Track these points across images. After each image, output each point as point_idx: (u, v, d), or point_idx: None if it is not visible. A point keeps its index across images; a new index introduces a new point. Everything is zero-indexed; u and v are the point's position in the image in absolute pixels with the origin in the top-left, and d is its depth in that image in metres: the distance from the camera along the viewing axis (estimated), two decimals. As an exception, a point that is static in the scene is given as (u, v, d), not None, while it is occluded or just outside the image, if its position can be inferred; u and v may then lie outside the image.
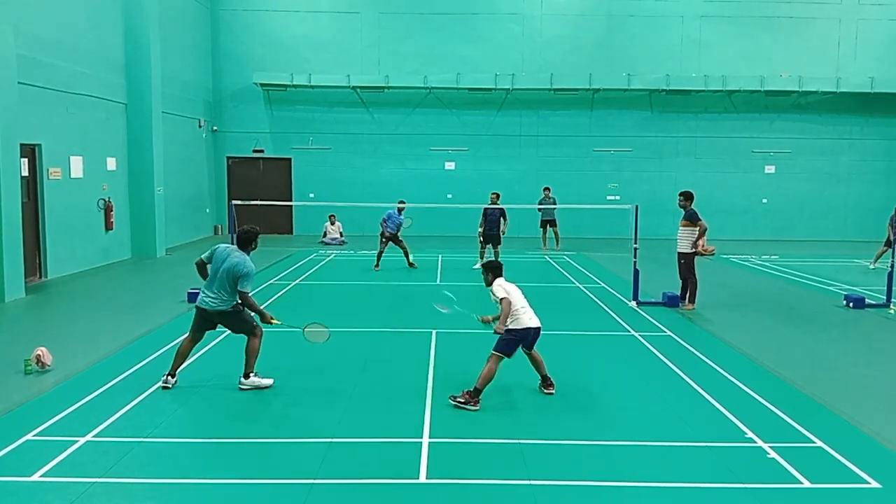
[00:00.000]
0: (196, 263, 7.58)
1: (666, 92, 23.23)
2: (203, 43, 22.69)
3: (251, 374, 7.37)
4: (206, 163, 22.97)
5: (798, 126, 23.94)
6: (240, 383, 7.34)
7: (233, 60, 23.25)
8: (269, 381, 7.44)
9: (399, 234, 15.88)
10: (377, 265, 15.76)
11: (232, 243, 7.68)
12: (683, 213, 11.85)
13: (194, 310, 7.49)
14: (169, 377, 7.33)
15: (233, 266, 7.15)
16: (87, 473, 5.33)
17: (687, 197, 11.92)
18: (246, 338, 7.42)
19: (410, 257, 15.97)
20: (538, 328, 7.10)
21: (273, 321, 7.36)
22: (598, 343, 9.72)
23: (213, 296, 7.25)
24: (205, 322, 7.42)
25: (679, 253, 11.93)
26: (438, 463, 5.58)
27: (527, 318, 7.04)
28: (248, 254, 7.38)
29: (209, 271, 7.41)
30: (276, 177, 23.68)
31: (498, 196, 15.89)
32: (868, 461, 5.67)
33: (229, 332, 9.81)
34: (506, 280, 7.31)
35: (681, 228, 11.89)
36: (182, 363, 7.48)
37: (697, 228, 11.68)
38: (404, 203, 16.09)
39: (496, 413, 6.78)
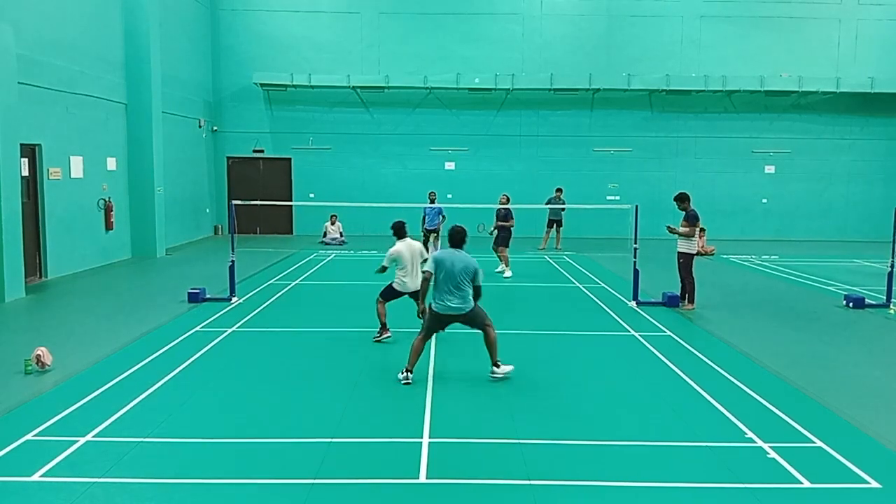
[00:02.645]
0: (426, 278, 7.88)
1: (666, 92, 23.23)
2: (203, 43, 22.68)
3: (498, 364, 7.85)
4: (206, 163, 22.97)
5: (798, 126, 23.93)
6: (492, 373, 7.78)
7: (233, 60, 23.24)
8: (510, 368, 7.86)
9: (438, 230, 16.50)
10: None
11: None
12: (684, 214, 11.84)
13: (431, 315, 7.77)
14: (408, 373, 7.63)
15: (469, 265, 7.65)
16: (87, 473, 5.33)
17: (682, 199, 11.92)
18: (483, 332, 7.82)
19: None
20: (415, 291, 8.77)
21: None
22: (598, 343, 9.72)
23: (458, 300, 7.59)
24: (442, 326, 7.84)
25: (678, 253, 11.93)
26: (438, 463, 5.58)
27: (411, 283, 9.07)
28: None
29: (438, 280, 7.67)
30: (276, 177, 23.68)
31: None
32: (868, 461, 5.67)
33: (227, 332, 9.87)
34: (412, 241, 9.18)
35: (681, 229, 11.89)
36: (417, 359, 7.79)
37: (696, 229, 11.70)
38: (434, 194, 16.94)
39: (496, 413, 6.78)
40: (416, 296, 8.69)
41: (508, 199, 15.87)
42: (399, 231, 9.32)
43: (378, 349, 9.11)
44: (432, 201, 16.50)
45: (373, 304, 9.48)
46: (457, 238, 7.87)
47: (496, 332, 7.81)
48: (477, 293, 7.72)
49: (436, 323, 7.78)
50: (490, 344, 7.78)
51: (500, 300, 12.97)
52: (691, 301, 11.87)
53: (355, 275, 15.35)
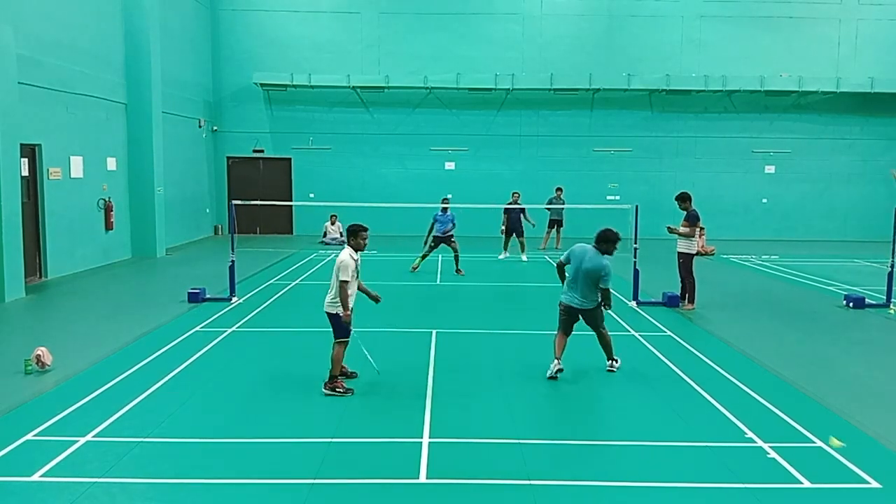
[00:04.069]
0: (556, 264, 8.29)
1: (666, 92, 23.23)
2: (203, 43, 22.68)
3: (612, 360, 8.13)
4: (206, 163, 22.97)
5: (798, 126, 23.93)
6: (609, 367, 8.09)
7: (233, 60, 23.24)
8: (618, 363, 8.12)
9: (451, 235, 15.35)
10: (416, 267, 15.42)
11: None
12: (685, 214, 11.84)
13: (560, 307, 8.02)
14: (556, 361, 7.79)
15: (595, 268, 7.68)
16: (87, 473, 5.33)
17: (684, 199, 11.91)
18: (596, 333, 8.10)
19: (459, 262, 15.36)
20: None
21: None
22: (597, 343, 9.68)
23: (579, 296, 7.82)
24: (570, 318, 7.96)
25: (678, 253, 11.92)
26: (438, 463, 5.58)
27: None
28: (604, 253, 7.81)
29: (568, 272, 7.97)
30: (276, 177, 23.68)
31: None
32: (868, 461, 5.66)
33: (227, 332, 9.86)
34: (351, 254, 7.27)
35: (681, 229, 11.89)
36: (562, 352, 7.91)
37: (696, 229, 11.70)
38: (448, 200, 15.62)
39: (496, 413, 6.78)
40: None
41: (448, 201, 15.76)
42: (352, 233, 7.42)
43: (378, 349, 9.09)
44: (445, 209, 15.28)
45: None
46: (600, 238, 7.81)
47: (609, 333, 8.09)
48: (603, 296, 7.75)
49: (563, 314, 7.95)
50: (604, 345, 8.08)
51: (501, 300, 12.98)
52: (691, 301, 11.87)
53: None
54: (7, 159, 11.93)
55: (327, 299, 7.32)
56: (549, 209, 19.85)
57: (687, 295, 11.92)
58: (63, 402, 6.82)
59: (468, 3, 23.25)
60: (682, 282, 12.00)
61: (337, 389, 7.18)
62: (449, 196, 16.29)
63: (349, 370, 7.69)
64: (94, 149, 15.75)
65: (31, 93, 13.30)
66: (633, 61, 23.21)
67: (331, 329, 7.29)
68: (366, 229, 7.38)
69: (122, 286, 13.87)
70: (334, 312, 7.24)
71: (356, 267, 7.30)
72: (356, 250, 7.35)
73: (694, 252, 11.83)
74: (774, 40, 23.47)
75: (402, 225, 21.79)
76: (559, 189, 20.49)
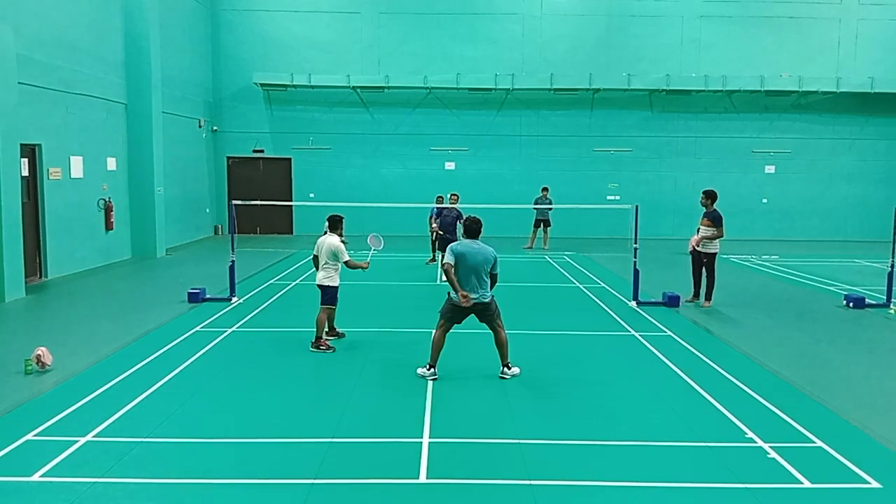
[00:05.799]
0: (446, 270, 7.82)
1: (666, 92, 23.22)
2: (203, 43, 22.68)
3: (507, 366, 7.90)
4: (206, 163, 22.96)
5: (798, 126, 23.92)
6: (501, 374, 7.88)
7: (233, 60, 23.23)
8: (517, 370, 7.92)
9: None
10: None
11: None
12: (704, 210, 11.97)
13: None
14: (432, 369, 7.76)
15: (488, 256, 7.75)
16: (87, 473, 5.34)
17: (709, 196, 12.00)
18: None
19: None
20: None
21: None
22: (598, 343, 9.71)
23: (478, 292, 7.72)
24: (461, 317, 7.91)
25: (701, 253, 12.01)
26: (438, 463, 5.58)
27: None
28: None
29: (459, 273, 7.78)
30: (276, 177, 23.67)
31: (457, 198, 15.84)
32: (868, 461, 5.67)
33: (227, 332, 9.86)
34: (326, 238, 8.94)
35: (702, 228, 11.95)
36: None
37: (718, 231, 11.83)
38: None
39: (496, 413, 6.79)
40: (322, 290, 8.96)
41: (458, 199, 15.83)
42: (331, 225, 9.29)
43: (378, 349, 9.10)
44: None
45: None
46: (473, 229, 7.91)
47: (507, 333, 7.92)
48: (494, 280, 7.83)
49: (454, 314, 7.82)
50: (500, 345, 7.88)
51: (501, 300, 12.97)
52: (708, 298, 12.10)
53: (354, 274, 15.28)
54: (7, 159, 11.93)
55: (321, 275, 8.91)
56: (535, 209, 19.85)
57: (706, 292, 12.13)
58: (63, 402, 6.82)
59: (468, 3, 23.24)
60: (695, 280, 12.23)
61: (321, 347, 8.67)
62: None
63: (339, 330, 9.37)
64: (94, 149, 15.75)
65: (31, 93, 13.30)
66: (633, 61, 23.20)
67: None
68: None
69: (122, 286, 13.86)
70: (326, 285, 8.87)
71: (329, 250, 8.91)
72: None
73: (716, 250, 11.97)
74: (774, 40, 23.46)
75: (402, 225, 21.74)
76: (545, 189, 20.51)
